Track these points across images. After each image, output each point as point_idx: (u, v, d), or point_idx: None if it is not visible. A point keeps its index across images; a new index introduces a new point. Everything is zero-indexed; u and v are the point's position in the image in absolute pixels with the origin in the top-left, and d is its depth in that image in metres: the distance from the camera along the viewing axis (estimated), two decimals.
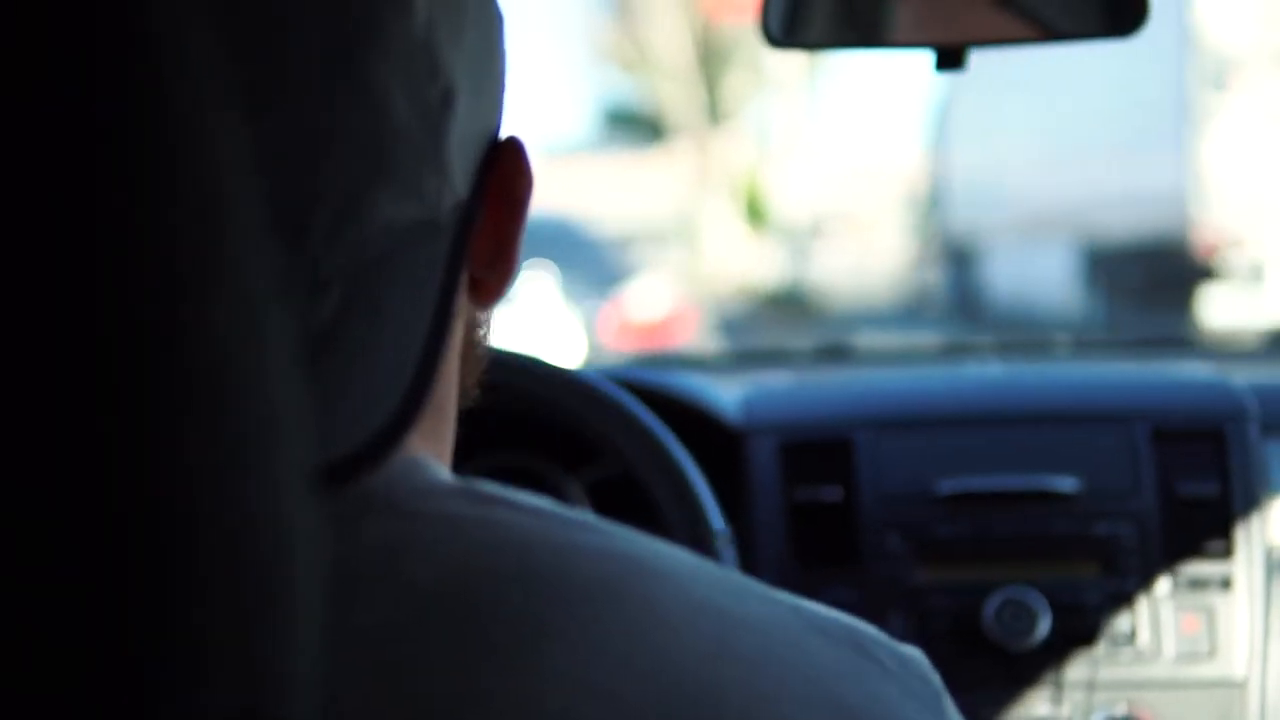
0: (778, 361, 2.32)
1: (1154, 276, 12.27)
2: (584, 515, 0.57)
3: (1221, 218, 11.54)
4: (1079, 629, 1.63)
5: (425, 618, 0.51)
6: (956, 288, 18.79)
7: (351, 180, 0.54)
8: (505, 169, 0.62)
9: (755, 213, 30.89)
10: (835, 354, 2.32)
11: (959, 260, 19.12)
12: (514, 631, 0.51)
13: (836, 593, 1.64)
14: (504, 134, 0.63)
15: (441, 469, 0.58)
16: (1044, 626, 1.61)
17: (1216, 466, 1.70)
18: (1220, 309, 11.26)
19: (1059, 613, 1.62)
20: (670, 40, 29.54)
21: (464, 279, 0.60)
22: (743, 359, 2.33)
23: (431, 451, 0.59)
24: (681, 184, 38.25)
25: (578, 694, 0.49)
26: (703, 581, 0.56)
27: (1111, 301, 13.31)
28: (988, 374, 2.03)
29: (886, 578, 1.66)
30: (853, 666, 0.55)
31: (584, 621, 0.51)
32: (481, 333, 0.64)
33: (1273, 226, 11.31)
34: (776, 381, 1.97)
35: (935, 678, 0.59)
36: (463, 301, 0.61)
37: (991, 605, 1.62)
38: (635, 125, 40.69)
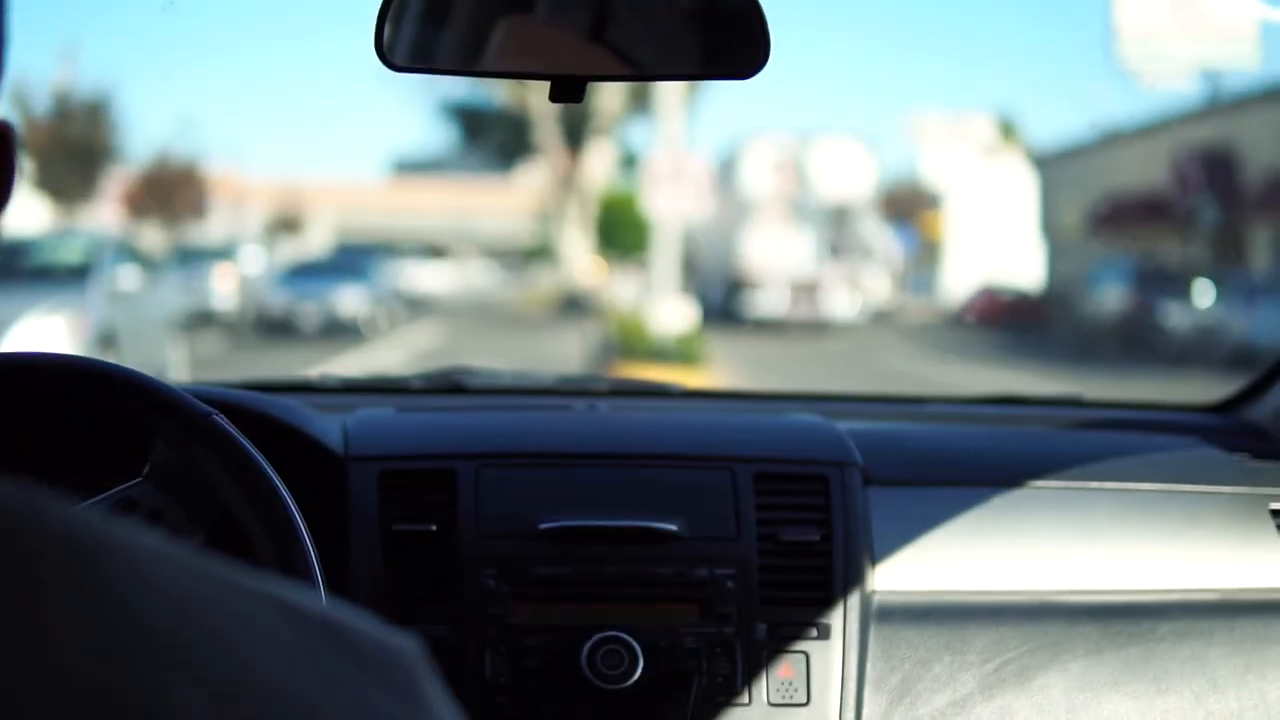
0: (391, 390, 2.37)
1: (728, 285, 31.93)
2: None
3: (748, 265, 31.37)
4: (675, 673, 1.70)
5: None
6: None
7: None
8: None
9: (610, 240, 33.49)
10: (450, 385, 2.38)
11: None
12: None
13: (431, 628, 1.70)
14: None
15: None
16: (640, 669, 1.68)
17: (819, 512, 1.79)
18: (752, 300, 30.23)
19: (655, 656, 1.69)
20: None
21: None
22: (354, 387, 2.35)
23: None
24: (541, 207, 39.81)
25: None
26: (163, 563, 0.56)
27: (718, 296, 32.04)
28: (597, 414, 2.10)
29: (483, 614, 1.71)
30: (321, 658, 0.57)
31: (15, 602, 0.51)
32: None
33: (770, 270, 30.83)
34: (384, 410, 2.02)
35: (420, 668, 0.61)
36: None
37: (588, 646, 1.68)
38: (498, 138, 40.86)
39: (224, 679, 0.52)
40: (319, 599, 0.60)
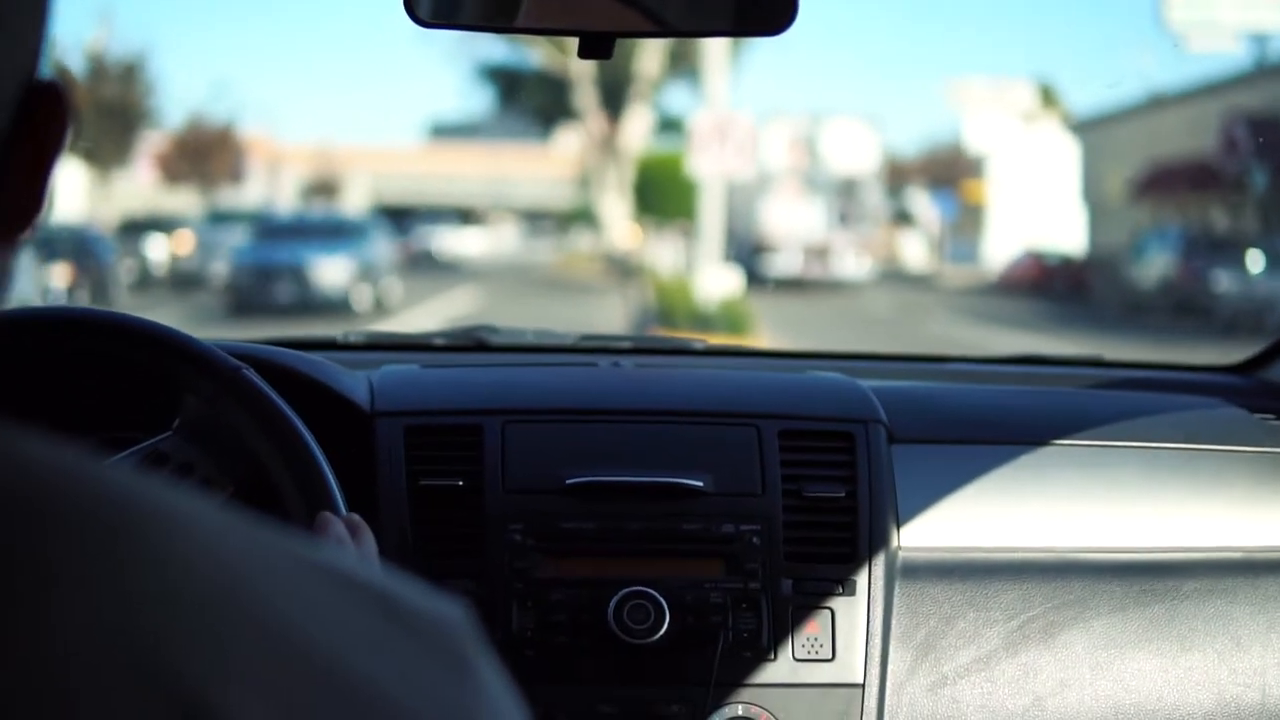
0: (415, 347, 2.38)
1: (750, 248, 33.91)
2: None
3: (767, 230, 35.17)
4: (700, 628, 1.73)
5: None
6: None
7: None
8: (40, 114, 0.64)
9: (647, 204, 34.81)
10: (474, 343, 2.40)
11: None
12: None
13: (458, 582, 1.72)
14: (46, 77, 0.65)
15: None
16: (666, 624, 1.70)
17: (844, 469, 1.82)
18: (770, 261, 33.70)
19: (681, 611, 1.72)
20: None
21: None
22: (378, 343, 2.37)
23: None
24: (580, 171, 40.42)
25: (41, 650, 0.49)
26: (213, 530, 0.57)
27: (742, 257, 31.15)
28: (621, 371, 2.12)
29: (510, 568, 1.74)
30: (369, 627, 0.58)
31: (75, 562, 0.51)
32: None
33: (778, 234, 35.12)
34: (409, 367, 2.04)
35: (469, 636, 0.62)
36: None
37: (615, 601, 1.71)
38: (536, 101, 41.03)
39: (279, 649, 0.52)
40: (367, 565, 0.61)
